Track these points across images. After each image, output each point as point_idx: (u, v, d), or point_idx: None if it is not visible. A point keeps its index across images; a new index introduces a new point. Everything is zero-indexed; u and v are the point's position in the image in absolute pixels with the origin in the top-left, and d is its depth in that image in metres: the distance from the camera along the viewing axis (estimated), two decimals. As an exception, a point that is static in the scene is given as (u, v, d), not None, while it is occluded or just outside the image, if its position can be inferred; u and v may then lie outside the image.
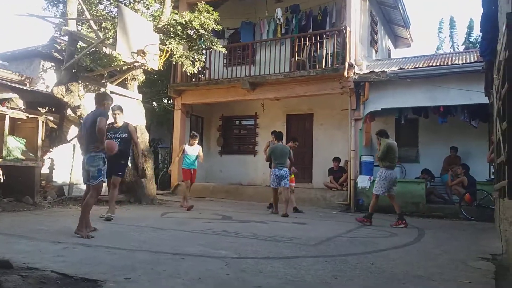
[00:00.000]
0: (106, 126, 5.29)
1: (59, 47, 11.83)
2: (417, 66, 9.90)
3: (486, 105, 8.27)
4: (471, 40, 19.45)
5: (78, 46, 9.18)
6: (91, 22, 8.91)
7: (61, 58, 10.65)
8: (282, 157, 8.23)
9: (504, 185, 3.32)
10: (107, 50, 8.44)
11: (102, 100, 5.20)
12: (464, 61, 9.49)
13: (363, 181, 9.85)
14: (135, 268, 3.29)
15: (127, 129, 6.75)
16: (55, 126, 9.56)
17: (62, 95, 8.30)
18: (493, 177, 8.10)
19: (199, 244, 4.53)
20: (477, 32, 18.55)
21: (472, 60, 9.30)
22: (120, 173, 6.66)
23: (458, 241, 5.56)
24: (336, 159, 11.11)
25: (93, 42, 8.43)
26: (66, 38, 9.24)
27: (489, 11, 5.03)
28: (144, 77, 10.16)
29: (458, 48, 19.82)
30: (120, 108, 6.83)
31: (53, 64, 11.80)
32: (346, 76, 10.03)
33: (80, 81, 8.75)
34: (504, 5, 3.87)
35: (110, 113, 5.82)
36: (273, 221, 7.12)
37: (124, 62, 8.45)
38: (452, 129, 10.59)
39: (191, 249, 4.22)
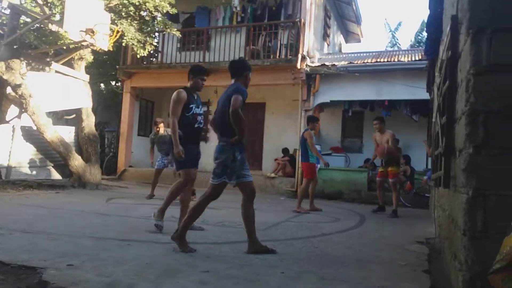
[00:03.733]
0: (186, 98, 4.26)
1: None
2: (366, 61, 10.28)
3: (427, 101, 8.76)
4: (418, 39, 20.40)
5: (21, 21, 8.62)
6: (36, -5, 8.37)
7: (1, 33, 9.91)
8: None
9: (440, 175, 3.54)
10: (53, 27, 7.98)
11: (241, 69, 3.92)
12: (409, 59, 9.97)
13: (310, 170, 10.12)
14: (79, 254, 3.18)
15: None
16: (-7, 105, 8.94)
17: (1, 72, 7.77)
18: (430, 167, 8.64)
19: (146, 230, 4.45)
20: (425, 33, 19.51)
21: (417, 58, 9.79)
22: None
23: (396, 226, 5.88)
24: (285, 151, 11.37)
25: (38, 17, 7.94)
26: (8, 11, 8.60)
27: (435, 13, 5.29)
28: (92, 57, 9.73)
29: (400, 46, 20.77)
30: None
31: (-9, 38, 10.96)
32: (299, 67, 10.21)
33: (22, 59, 8.22)
34: (449, 8, 4.07)
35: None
36: (221, 207, 7.13)
37: (71, 40, 8.03)
38: (394, 122, 11.10)
39: (138, 235, 4.15)
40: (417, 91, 9.11)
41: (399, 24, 22.31)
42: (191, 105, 4.35)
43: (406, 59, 9.99)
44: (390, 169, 7.31)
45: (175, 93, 4.40)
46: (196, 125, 4.41)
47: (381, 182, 7.43)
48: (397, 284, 2.79)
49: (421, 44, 18.18)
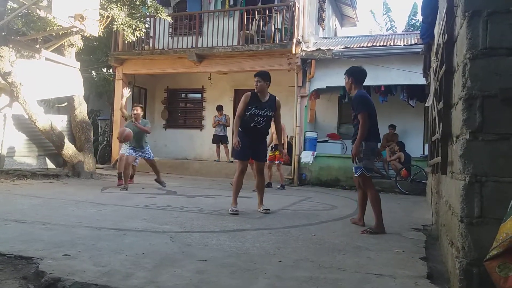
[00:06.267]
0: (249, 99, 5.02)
1: (-15, 7, 10.73)
2: (361, 45, 10.17)
3: (423, 86, 8.73)
4: (411, 23, 20.26)
5: (8, 7, 8.39)
6: (23, -20, 8.13)
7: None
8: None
9: (438, 161, 3.53)
10: (42, 13, 7.80)
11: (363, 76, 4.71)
12: (405, 43, 9.88)
13: (306, 157, 10.13)
14: (75, 244, 3.16)
15: (274, 105, 5.20)
16: (-18, 94, 8.80)
17: (-11, 60, 7.60)
18: (426, 153, 8.66)
19: (143, 219, 4.44)
20: (418, 16, 19.42)
21: (413, 42, 9.70)
22: (265, 158, 5.66)
23: (394, 213, 5.89)
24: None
25: (25, 3, 7.73)
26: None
27: (430, -5, 5.22)
28: (82, 44, 9.56)
29: (396, 30, 20.63)
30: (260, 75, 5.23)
31: (-22, 25, 10.70)
32: (294, 52, 10.10)
33: (11, 46, 8.04)
34: (444, -11, 4.02)
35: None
36: (218, 195, 7.14)
37: (61, 26, 7.86)
38: (391, 108, 11.10)
39: (134, 224, 4.13)
40: (414, 76, 9.06)
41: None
42: (251, 106, 5.02)
43: (401, 43, 9.90)
44: (278, 153, 8.56)
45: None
46: (252, 124, 5.03)
47: (270, 164, 8.68)
48: (394, 272, 2.79)
49: (415, 28, 18.09)
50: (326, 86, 10.35)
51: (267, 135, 5.45)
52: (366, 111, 4.27)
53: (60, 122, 9.66)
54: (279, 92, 11.93)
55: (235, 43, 11.01)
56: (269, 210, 5.29)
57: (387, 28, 21.37)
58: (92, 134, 9.85)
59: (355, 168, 4.35)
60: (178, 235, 3.72)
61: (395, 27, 21.17)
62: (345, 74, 4.63)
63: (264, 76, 5.14)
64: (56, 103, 10.99)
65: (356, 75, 4.55)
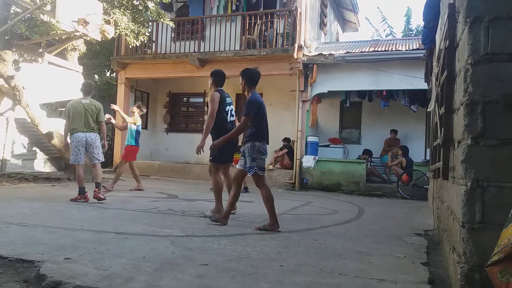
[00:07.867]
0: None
1: (-11, 11, 10.80)
2: (363, 50, 10.19)
3: (425, 91, 8.73)
4: (410, 28, 20.23)
5: (12, 11, 8.45)
6: (27, -16, 8.20)
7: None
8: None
9: (439, 166, 3.53)
10: (45, 17, 7.84)
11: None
12: (407, 48, 9.89)
13: (308, 161, 10.12)
14: (76, 247, 3.16)
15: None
16: (-15, 97, 8.84)
17: (-7, 64, 7.64)
18: (428, 158, 8.64)
19: (144, 223, 4.44)
20: (415, 21, 19.39)
21: (414, 47, 9.72)
22: (211, 156, 5.10)
23: (395, 218, 5.89)
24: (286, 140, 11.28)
25: (29, 7, 7.79)
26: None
27: (432, 1, 5.24)
28: (85, 48, 9.61)
29: (395, 36, 20.60)
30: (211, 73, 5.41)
31: (-18, 29, 10.77)
32: (296, 57, 10.13)
33: (14, 50, 8.09)
34: (446, -5, 4.03)
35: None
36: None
37: (64, 31, 7.91)
38: (393, 113, 11.11)
39: (135, 228, 4.13)
40: (415, 81, 9.06)
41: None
42: None
43: (403, 48, 9.92)
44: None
45: None
46: None
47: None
48: (395, 277, 2.78)
49: (416, 33, 18.07)
50: (328, 91, 10.37)
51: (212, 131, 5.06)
52: (250, 115, 4.43)
53: (62, 126, 9.68)
54: (281, 97, 12.10)
55: (237, 47, 11.05)
56: (205, 216, 5.06)
57: (386, 34, 21.35)
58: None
59: (249, 168, 4.47)
60: (179, 239, 3.71)
61: (394, 33, 21.15)
62: (239, 75, 4.67)
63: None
64: (58, 107, 11.03)
65: (249, 76, 4.59)
